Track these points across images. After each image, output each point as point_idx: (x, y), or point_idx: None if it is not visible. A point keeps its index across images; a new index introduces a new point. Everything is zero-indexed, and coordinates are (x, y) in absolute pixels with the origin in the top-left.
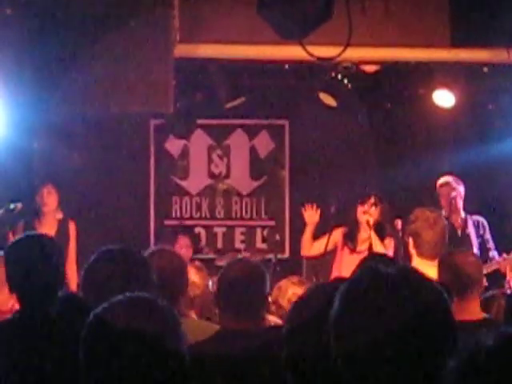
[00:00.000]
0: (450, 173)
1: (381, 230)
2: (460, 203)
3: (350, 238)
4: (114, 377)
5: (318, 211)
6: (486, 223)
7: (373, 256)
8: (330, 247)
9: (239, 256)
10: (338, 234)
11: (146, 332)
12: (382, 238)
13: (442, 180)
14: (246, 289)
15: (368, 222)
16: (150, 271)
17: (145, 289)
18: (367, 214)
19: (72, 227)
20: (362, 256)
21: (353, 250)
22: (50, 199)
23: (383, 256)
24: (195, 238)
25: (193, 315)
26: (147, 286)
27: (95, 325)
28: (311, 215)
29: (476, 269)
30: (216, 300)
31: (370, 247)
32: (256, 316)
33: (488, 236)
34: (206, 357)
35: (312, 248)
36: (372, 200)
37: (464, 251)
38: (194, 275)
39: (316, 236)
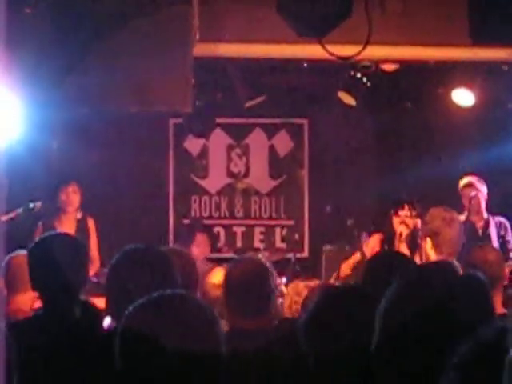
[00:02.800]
0: (472, 173)
1: (413, 243)
2: (483, 204)
3: (388, 245)
4: (151, 379)
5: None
6: (508, 225)
7: (386, 253)
8: (368, 253)
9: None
10: (375, 241)
11: (181, 331)
12: (413, 252)
13: (464, 181)
14: (251, 287)
15: (401, 234)
16: (173, 269)
17: (170, 287)
18: (403, 224)
19: (91, 225)
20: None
21: None
22: (74, 198)
23: (398, 253)
24: (214, 238)
25: None
26: (172, 284)
27: (129, 328)
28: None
29: (496, 266)
30: (224, 298)
31: None
32: (263, 313)
33: (509, 237)
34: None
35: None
36: (406, 208)
37: (485, 248)
38: (221, 277)
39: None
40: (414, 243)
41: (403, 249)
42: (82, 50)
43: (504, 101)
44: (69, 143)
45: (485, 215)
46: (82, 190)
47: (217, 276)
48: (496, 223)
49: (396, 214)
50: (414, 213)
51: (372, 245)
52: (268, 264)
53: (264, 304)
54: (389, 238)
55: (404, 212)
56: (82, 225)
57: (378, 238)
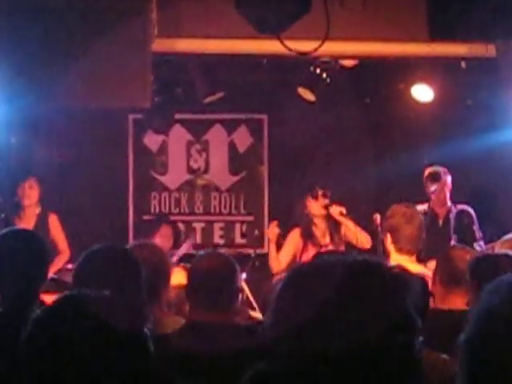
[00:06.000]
0: (435, 164)
1: (333, 225)
2: (447, 194)
3: (309, 235)
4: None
5: (277, 228)
6: (472, 212)
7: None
8: (295, 251)
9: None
10: (296, 236)
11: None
12: (333, 233)
13: (429, 170)
14: (216, 282)
15: (341, 213)
16: (140, 269)
17: (136, 287)
18: (324, 208)
19: (53, 219)
20: (328, 249)
21: (318, 245)
22: (31, 193)
23: (336, 252)
24: (177, 234)
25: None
26: (138, 285)
27: (36, 333)
28: (273, 232)
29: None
30: (186, 293)
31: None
32: (227, 309)
33: (474, 226)
34: (172, 349)
35: (280, 262)
36: (320, 192)
37: (465, 248)
38: (183, 278)
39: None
40: (333, 224)
41: (348, 223)
42: (40, 47)
43: (463, 96)
44: (27, 139)
45: (448, 204)
46: (40, 185)
47: (176, 277)
48: (458, 211)
49: (315, 199)
50: (327, 196)
51: (294, 240)
52: (233, 260)
53: (228, 300)
54: (307, 226)
55: (321, 197)
56: (41, 220)
57: (298, 232)
